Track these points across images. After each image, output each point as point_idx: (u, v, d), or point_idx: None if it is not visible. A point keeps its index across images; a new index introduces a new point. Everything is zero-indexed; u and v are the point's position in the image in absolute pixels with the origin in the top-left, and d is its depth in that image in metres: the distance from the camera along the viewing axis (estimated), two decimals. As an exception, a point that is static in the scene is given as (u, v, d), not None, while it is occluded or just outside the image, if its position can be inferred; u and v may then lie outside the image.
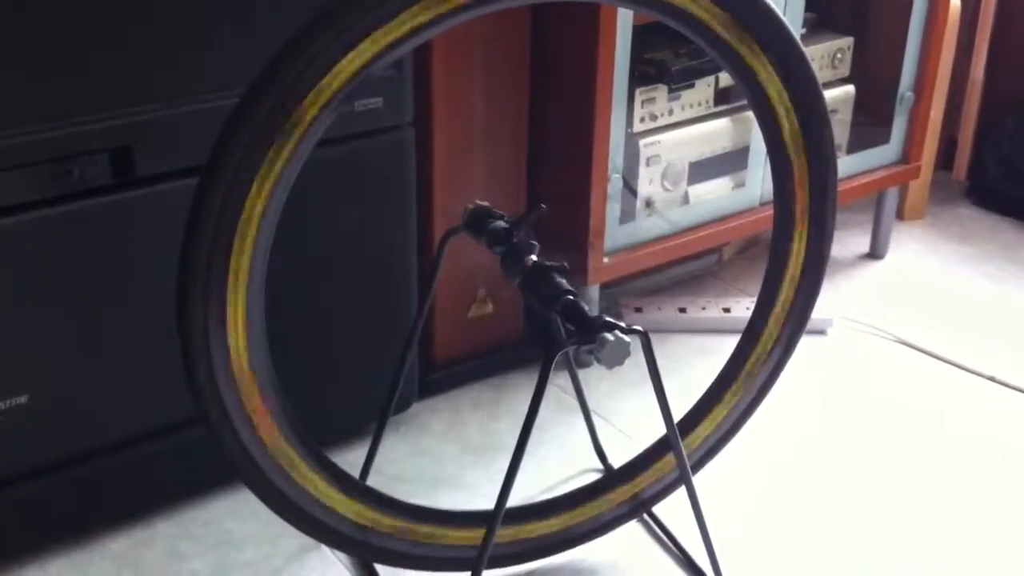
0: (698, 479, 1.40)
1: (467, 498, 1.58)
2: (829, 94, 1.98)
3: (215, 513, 1.53)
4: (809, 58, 1.31)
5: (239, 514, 1.52)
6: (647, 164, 1.83)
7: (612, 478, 1.47)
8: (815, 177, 1.35)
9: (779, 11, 1.27)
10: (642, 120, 1.82)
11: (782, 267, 1.40)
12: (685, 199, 1.91)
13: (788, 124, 1.32)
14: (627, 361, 1.17)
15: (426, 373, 1.78)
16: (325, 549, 1.46)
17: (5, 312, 1.30)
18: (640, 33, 1.70)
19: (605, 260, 1.80)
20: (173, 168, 1.34)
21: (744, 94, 1.34)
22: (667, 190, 1.88)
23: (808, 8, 1.92)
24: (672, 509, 1.49)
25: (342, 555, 1.46)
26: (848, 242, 2.33)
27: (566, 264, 1.27)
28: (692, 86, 1.86)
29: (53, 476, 1.40)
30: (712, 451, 1.47)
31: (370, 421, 1.58)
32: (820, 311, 1.68)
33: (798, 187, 1.36)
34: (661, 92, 1.83)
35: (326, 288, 1.53)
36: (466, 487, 1.61)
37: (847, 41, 2.08)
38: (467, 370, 1.84)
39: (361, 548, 1.33)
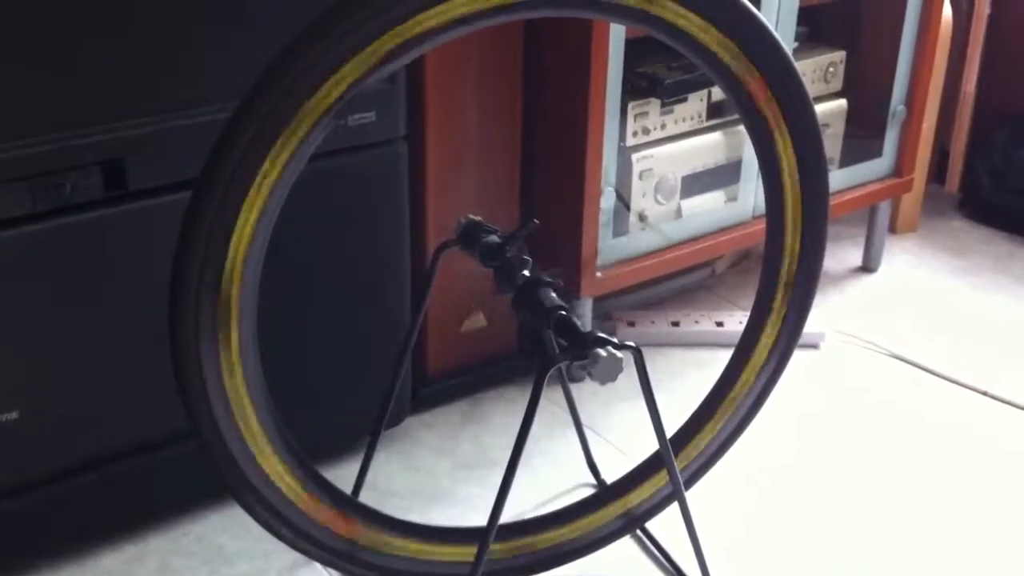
0: (691, 494, 1.40)
1: (460, 513, 1.58)
2: (821, 108, 1.98)
3: (207, 528, 1.53)
4: (801, 74, 1.31)
5: (232, 529, 1.52)
6: (640, 178, 1.84)
7: (605, 493, 1.47)
8: (807, 190, 1.36)
9: (771, 26, 1.27)
10: (635, 134, 1.82)
11: (775, 280, 1.40)
12: (678, 213, 1.91)
13: (780, 140, 1.32)
14: (620, 376, 1.17)
15: (419, 387, 1.78)
16: (318, 565, 1.46)
17: (-4, 327, 1.30)
18: (633, 47, 1.70)
19: (598, 274, 1.80)
20: (166, 182, 1.34)
21: (736, 110, 1.34)
22: (660, 204, 1.88)
23: (800, 22, 1.93)
24: (665, 525, 1.49)
25: (334, 571, 1.46)
26: (841, 255, 2.33)
27: (559, 279, 1.27)
28: (685, 100, 1.87)
29: (44, 492, 1.40)
30: (705, 466, 1.47)
31: (362, 436, 1.57)
32: (813, 325, 1.68)
33: (790, 200, 1.36)
34: (654, 106, 1.83)
35: (319, 302, 1.53)
36: (459, 502, 1.60)
37: (839, 55, 2.08)
38: (460, 384, 1.83)
39: (353, 564, 1.32)
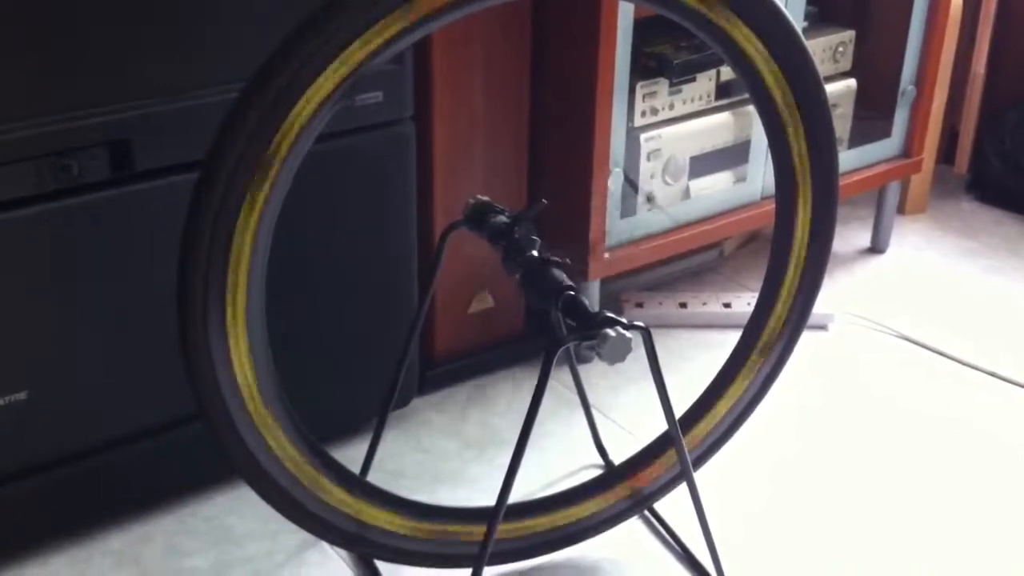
0: (699, 475, 1.40)
1: (468, 494, 1.58)
2: (830, 88, 1.97)
3: (216, 509, 1.53)
4: (799, 30, 1.29)
5: (239, 510, 1.52)
6: (648, 158, 1.83)
7: (613, 474, 1.47)
8: (816, 169, 1.35)
9: (784, 8, 1.27)
10: (643, 114, 1.81)
11: (783, 261, 1.40)
12: (686, 193, 1.90)
13: (791, 122, 1.32)
14: (628, 356, 1.17)
15: (427, 368, 1.77)
16: (326, 545, 1.46)
17: (3, 308, 1.29)
18: (641, 27, 1.70)
19: (606, 255, 1.79)
20: (172, 162, 1.34)
21: (742, 82, 1.33)
22: (668, 184, 1.88)
23: (810, 2, 1.92)
24: (673, 505, 1.49)
25: (343, 551, 1.46)
26: (849, 236, 2.33)
27: (567, 259, 1.27)
28: (693, 80, 1.86)
29: (53, 472, 1.40)
30: (714, 447, 1.47)
31: (370, 417, 1.57)
32: (821, 306, 1.68)
33: (800, 181, 1.35)
34: (662, 86, 1.82)
35: (326, 283, 1.52)
36: (467, 483, 1.61)
37: (848, 34, 2.07)
38: (468, 365, 1.83)
39: (361, 544, 1.32)
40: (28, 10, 1.21)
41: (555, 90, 1.74)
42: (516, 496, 1.33)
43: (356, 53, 1.06)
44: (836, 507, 1.57)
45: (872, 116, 2.16)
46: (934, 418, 1.77)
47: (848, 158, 2.08)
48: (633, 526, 1.51)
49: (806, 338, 1.47)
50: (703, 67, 1.85)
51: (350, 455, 1.57)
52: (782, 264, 1.40)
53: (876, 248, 2.29)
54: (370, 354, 1.60)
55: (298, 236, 1.40)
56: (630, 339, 1.16)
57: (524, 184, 1.79)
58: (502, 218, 1.34)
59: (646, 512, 1.53)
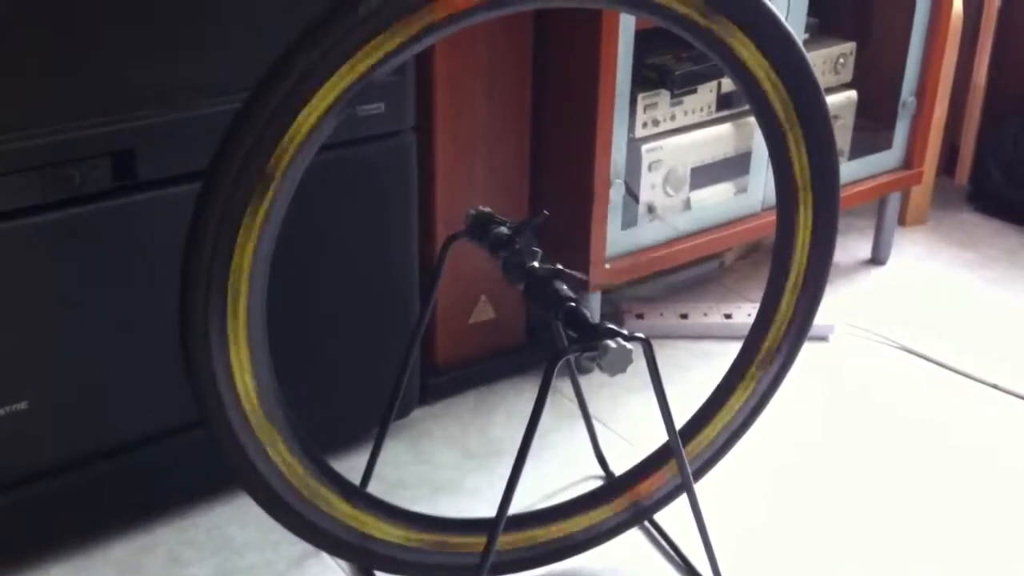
0: (699, 486, 1.40)
1: (468, 504, 1.58)
2: (831, 99, 1.97)
3: (216, 519, 1.53)
4: (799, 39, 1.30)
5: (240, 520, 1.52)
6: (649, 169, 1.83)
7: (613, 485, 1.47)
8: (817, 180, 1.35)
9: (783, 18, 1.27)
10: (644, 125, 1.82)
11: (784, 272, 1.40)
12: (687, 204, 1.91)
13: (792, 133, 1.32)
14: (628, 367, 1.17)
15: (428, 379, 1.78)
16: (326, 555, 1.46)
17: (5, 317, 1.30)
18: (642, 38, 1.70)
19: (607, 266, 1.79)
20: (175, 173, 1.34)
21: (740, 91, 1.33)
22: (669, 195, 1.88)
23: (811, 13, 1.92)
24: (674, 516, 1.49)
25: (342, 562, 1.46)
26: (850, 248, 2.33)
27: (572, 272, 1.27)
28: (694, 91, 1.86)
29: (54, 482, 1.40)
30: (714, 458, 1.47)
31: (371, 427, 1.58)
32: (822, 317, 1.67)
33: (801, 192, 1.36)
34: (663, 97, 1.83)
35: (327, 294, 1.53)
36: (467, 493, 1.60)
37: (849, 46, 2.08)
38: (469, 376, 1.83)
39: (361, 555, 1.32)
40: (31, 20, 1.21)
41: (557, 101, 1.75)
42: (517, 507, 1.33)
43: (358, 64, 1.06)
44: (836, 519, 1.57)
45: (873, 127, 2.17)
46: (934, 429, 1.77)
47: (849, 169, 2.08)
48: (634, 537, 1.51)
49: (806, 349, 1.47)
50: (704, 78, 1.85)
51: (351, 465, 1.57)
52: (783, 275, 1.40)
53: (877, 259, 2.29)
54: (371, 364, 1.60)
55: (300, 247, 1.40)
56: (631, 350, 1.17)
57: (525, 195, 1.79)
58: (503, 229, 1.34)
59: (646, 523, 1.53)
